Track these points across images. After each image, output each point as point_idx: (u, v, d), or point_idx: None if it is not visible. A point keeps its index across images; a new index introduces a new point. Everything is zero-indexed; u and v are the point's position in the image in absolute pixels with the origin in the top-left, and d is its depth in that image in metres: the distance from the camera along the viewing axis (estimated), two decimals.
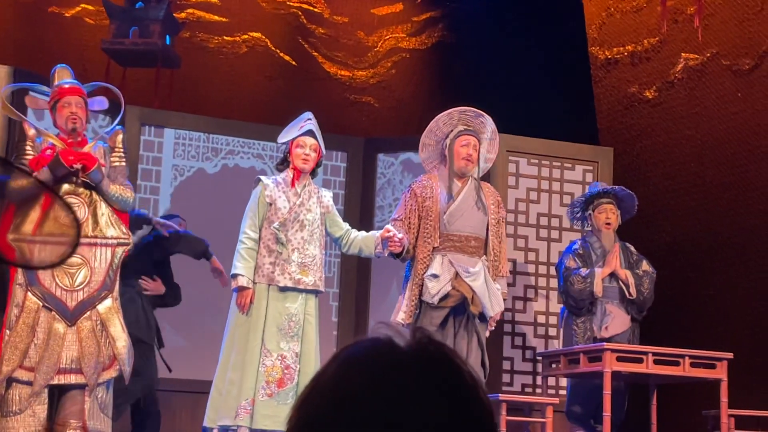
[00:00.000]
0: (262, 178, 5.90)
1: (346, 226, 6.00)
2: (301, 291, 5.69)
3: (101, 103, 5.98)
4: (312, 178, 5.95)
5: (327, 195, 5.98)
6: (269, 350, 5.57)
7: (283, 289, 5.66)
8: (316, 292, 5.76)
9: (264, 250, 5.70)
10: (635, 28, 8.52)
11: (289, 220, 5.73)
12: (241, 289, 5.65)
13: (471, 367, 1.20)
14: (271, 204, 5.76)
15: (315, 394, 1.17)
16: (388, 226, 5.88)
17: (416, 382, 1.14)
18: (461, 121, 6.04)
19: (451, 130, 6.02)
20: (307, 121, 5.88)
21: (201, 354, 7.26)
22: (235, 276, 5.68)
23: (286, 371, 5.56)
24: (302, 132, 5.82)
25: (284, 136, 5.90)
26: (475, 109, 6.08)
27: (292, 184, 5.83)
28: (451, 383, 1.16)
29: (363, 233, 5.97)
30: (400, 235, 5.77)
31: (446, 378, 1.16)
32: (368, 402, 1.12)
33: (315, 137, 5.85)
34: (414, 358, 1.16)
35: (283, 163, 5.92)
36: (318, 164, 5.92)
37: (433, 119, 6.08)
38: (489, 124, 6.09)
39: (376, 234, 5.92)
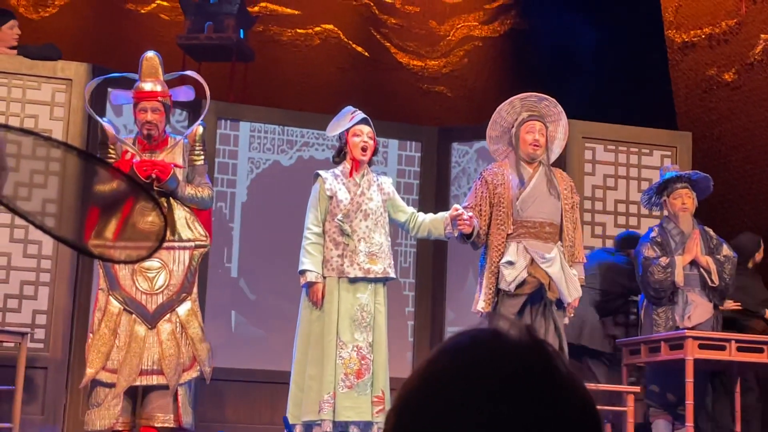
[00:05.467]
0: (320, 172, 5.87)
1: (410, 209, 5.96)
2: (370, 281, 5.68)
3: (188, 93, 5.95)
4: (369, 167, 5.89)
5: (387, 181, 5.94)
6: (344, 342, 5.56)
7: (353, 280, 5.64)
8: (385, 280, 5.74)
9: (330, 244, 5.68)
10: (712, 10, 8.36)
11: (352, 210, 5.70)
12: (311, 285, 5.63)
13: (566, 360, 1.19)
14: (332, 197, 5.72)
15: (418, 386, 1.17)
16: (457, 206, 5.80)
17: (523, 374, 1.13)
18: (524, 108, 5.94)
19: (516, 119, 5.93)
20: (356, 112, 5.82)
21: (277, 344, 7.30)
22: (303, 272, 5.66)
23: (362, 362, 5.57)
24: (356, 121, 5.78)
25: (334, 129, 5.85)
26: (538, 94, 5.97)
27: (350, 175, 5.80)
28: (556, 378, 1.16)
29: (430, 215, 5.91)
30: (469, 214, 5.69)
31: (551, 372, 1.16)
32: (471, 393, 1.12)
33: (370, 125, 5.80)
34: (520, 350, 1.16)
35: (339, 155, 5.88)
36: (374, 152, 5.87)
37: (496, 110, 6.01)
38: (554, 106, 5.98)
39: (444, 215, 5.83)
